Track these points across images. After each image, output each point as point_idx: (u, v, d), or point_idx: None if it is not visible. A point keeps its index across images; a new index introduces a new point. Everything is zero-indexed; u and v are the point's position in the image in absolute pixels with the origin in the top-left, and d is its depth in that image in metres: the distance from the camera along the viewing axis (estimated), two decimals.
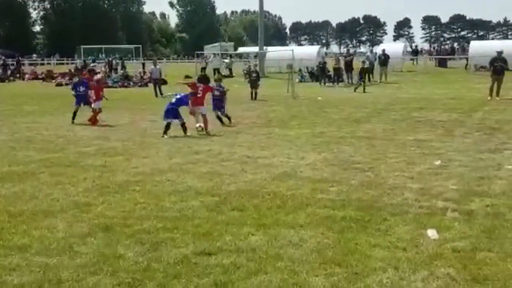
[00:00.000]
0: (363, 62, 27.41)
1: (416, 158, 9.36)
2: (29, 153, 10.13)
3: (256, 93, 21.62)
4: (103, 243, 5.28)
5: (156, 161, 9.39)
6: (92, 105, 14.88)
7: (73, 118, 14.81)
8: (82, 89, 15.32)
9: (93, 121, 14.55)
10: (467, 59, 42.15)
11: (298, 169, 8.66)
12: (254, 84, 21.89)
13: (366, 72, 27.40)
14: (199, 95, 13.30)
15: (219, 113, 14.24)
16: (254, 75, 22.41)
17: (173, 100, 12.68)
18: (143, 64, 42.06)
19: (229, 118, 14.33)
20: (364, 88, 24.17)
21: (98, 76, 16.76)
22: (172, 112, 12.44)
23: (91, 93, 15.09)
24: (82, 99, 15.20)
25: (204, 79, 14.13)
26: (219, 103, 14.36)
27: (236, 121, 14.60)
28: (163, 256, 4.94)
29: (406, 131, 12.50)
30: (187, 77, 33.49)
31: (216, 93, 14.31)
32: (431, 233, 5.51)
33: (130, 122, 14.95)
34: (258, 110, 17.70)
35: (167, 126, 12.27)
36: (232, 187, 7.53)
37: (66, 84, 33.43)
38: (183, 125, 12.49)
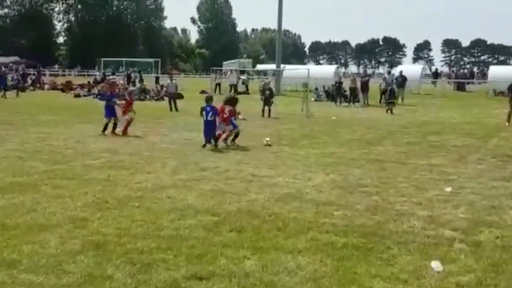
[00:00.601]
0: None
1: (426, 184, 9.09)
2: (35, 163, 10.09)
3: (270, 111, 21.49)
4: (93, 262, 5.12)
5: (160, 176, 9.26)
6: (125, 117, 15.28)
7: (104, 130, 14.83)
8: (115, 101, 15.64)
9: (124, 131, 14.94)
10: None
11: (304, 190, 8.45)
12: (267, 101, 21.75)
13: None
14: (225, 115, 13.30)
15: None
16: (267, 92, 22.27)
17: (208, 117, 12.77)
18: (157, 78, 42.17)
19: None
20: (391, 110, 23.81)
21: (131, 88, 17.14)
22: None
23: (120, 105, 15.71)
24: (112, 111, 15.29)
25: (231, 100, 14.02)
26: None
27: (247, 138, 14.46)
28: (152, 279, 4.76)
29: (419, 155, 12.22)
30: (203, 92, 33.62)
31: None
32: (435, 265, 5.25)
33: (141, 136, 14.90)
34: (270, 128, 17.56)
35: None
36: (233, 207, 7.35)
37: (84, 96, 33.89)
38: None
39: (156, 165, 10.33)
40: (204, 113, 13.00)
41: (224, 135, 13.29)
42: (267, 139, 13.83)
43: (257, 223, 6.58)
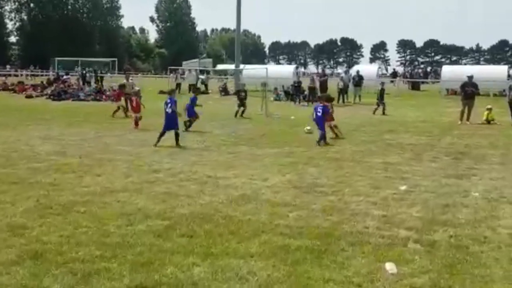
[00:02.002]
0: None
1: (382, 182, 9.05)
2: None
3: (243, 111, 20.98)
4: (30, 273, 4.76)
5: (110, 179, 8.89)
6: (133, 115, 17.28)
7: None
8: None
9: (136, 125, 16.71)
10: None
11: (260, 191, 8.27)
12: (242, 102, 21.24)
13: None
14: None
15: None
16: (243, 94, 21.73)
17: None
18: (99, 78, 40.66)
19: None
20: (384, 110, 23.05)
21: (136, 88, 20.11)
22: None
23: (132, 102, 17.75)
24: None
25: (328, 99, 15.80)
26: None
27: (203, 139, 14.26)
28: None
29: (375, 154, 12.24)
30: (161, 92, 32.97)
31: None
32: (390, 267, 5.13)
33: (94, 137, 14.39)
34: (228, 128, 17.30)
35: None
36: (185, 210, 7.08)
37: (37, 96, 32.75)
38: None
39: (107, 168, 9.94)
40: (164, 105, 13.40)
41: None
42: (308, 127, 15.63)
43: (210, 227, 6.33)
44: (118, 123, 18.00)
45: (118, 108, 20.62)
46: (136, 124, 16.82)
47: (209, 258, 5.31)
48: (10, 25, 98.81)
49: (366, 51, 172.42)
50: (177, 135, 13.15)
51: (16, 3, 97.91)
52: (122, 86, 22.05)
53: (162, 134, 13.09)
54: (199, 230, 6.22)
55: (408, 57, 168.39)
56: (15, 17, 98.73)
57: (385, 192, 8.32)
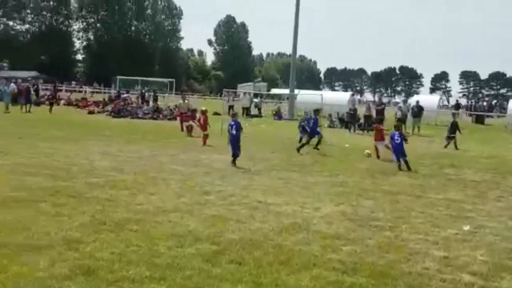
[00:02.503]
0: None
1: (443, 221, 8.61)
2: (38, 179, 9.84)
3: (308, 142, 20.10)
4: None
5: (163, 199, 8.93)
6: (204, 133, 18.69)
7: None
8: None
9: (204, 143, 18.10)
10: None
11: (311, 221, 8.05)
12: (305, 131, 20.39)
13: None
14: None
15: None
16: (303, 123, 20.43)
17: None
18: (155, 97, 41.47)
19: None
20: (455, 144, 21.83)
21: (203, 108, 21.15)
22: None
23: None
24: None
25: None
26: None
27: (255, 163, 14.19)
28: None
29: (435, 189, 11.73)
30: (216, 113, 33.36)
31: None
32: None
33: (149, 155, 14.62)
34: (281, 152, 17.18)
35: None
36: (235, 235, 6.97)
37: (98, 112, 33.88)
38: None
39: (161, 187, 10.01)
40: (229, 127, 14.07)
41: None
42: (368, 151, 16.52)
43: (259, 255, 6.18)
44: (173, 143, 18.25)
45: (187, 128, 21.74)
46: (204, 141, 18.12)
47: None
48: (77, 43, 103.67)
49: (426, 81, 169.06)
50: (236, 156, 13.63)
51: (84, 23, 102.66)
52: (194, 110, 23.69)
53: (234, 156, 13.62)
54: (248, 257, 6.08)
55: (471, 89, 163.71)
56: (82, 37, 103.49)
57: (447, 231, 7.90)
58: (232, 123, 14.15)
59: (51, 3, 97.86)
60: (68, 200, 8.28)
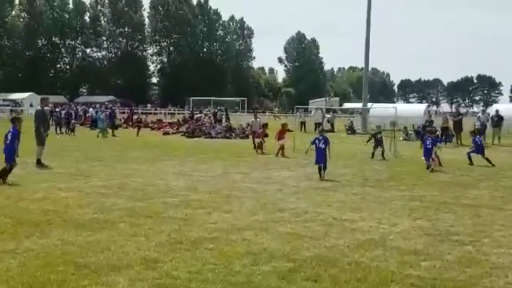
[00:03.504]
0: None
1: None
2: (117, 200, 10.26)
3: (383, 153, 20.22)
4: None
5: (237, 216, 9.05)
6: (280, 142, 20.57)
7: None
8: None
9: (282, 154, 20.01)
10: None
11: (388, 237, 7.86)
12: (380, 144, 20.64)
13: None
14: None
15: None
16: (379, 136, 20.89)
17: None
18: (227, 116, 42.13)
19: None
20: None
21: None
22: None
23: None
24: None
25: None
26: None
27: (329, 178, 14.09)
28: None
29: None
30: (288, 130, 33.40)
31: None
32: None
33: (222, 174, 14.90)
34: (355, 167, 16.95)
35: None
36: (310, 252, 6.93)
37: (173, 133, 35.00)
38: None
39: (234, 205, 10.16)
40: (316, 141, 14.89)
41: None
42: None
43: (335, 272, 6.12)
44: (245, 160, 18.48)
45: (259, 144, 22.31)
46: (278, 151, 19.99)
47: None
48: (152, 67, 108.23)
49: (506, 89, 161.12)
50: (320, 169, 14.34)
51: (158, 47, 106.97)
52: (265, 125, 25.20)
53: (319, 169, 14.38)
54: (324, 274, 6.03)
55: None
56: (156, 60, 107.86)
57: None
58: (320, 137, 15.08)
59: (126, 29, 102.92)
60: (145, 220, 8.57)
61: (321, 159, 14.49)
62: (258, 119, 26.81)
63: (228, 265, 6.28)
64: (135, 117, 45.02)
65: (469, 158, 18.16)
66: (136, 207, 9.60)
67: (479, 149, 18.36)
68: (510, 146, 26.79)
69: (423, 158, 17.25)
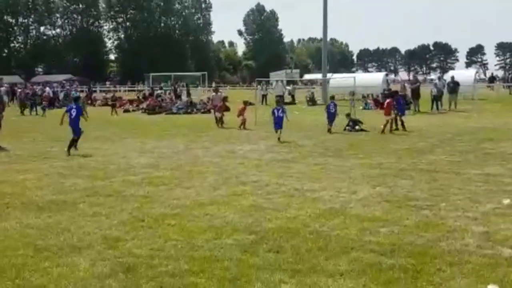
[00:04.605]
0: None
1: (482, 196, 8.45)
2: (77, 181, 10.08)
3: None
4: (121, 286, 4.90)
5: (199, 192, 9.04)
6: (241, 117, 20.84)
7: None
8: None
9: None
10: None
11: (348, 205, 8.02)
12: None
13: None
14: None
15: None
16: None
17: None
18: (188, 91, 41.68)
19: None
20: None
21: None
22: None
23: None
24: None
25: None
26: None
27: (291, 150, 14.24)
28: None
29: (473, 164, 11.50)
30: (249, 104, 33.40)
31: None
32: None
33: (184, 150, 14.81)
34: (315, 138, 17.12)
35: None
36: (272, 224, 7.00)
37: (133, 111, 34.42)
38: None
39: (197, 180, 10.13)
40: (275, 111, 17.25)
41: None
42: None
43: (297, 242, 6.20)
44: (207, 135, 18.38)
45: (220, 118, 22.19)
46: (241, 125, 20.39)
47: (297, 275, 5.18)
48: (109, 43, 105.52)
49: (462, 56, 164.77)
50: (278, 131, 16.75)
51: (114, 23, 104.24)
52: (225, 98, 24.16)
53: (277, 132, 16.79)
54: (286, 245, 6.11)
55: (508, 60, 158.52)
56: (113, 36, 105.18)
57: (486, 206, 7.75)
58: (278, 107, 17.55)
59: (80, 5, 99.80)
60: (105, 199, 8.47)
61: (279, 124, 16.90)
62: (219, 93, 26.63)
63: (191, 240, 6.28)
64: (109, 95, 43.90)
65: (402, 124, 18.87)
66: (97, 187, 9.47)
67: (400, 108, 19.29)
68: (466, 112, 27.53)
69: (326, 121, 19.07)
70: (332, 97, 20.90)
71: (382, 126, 18.31)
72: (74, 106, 14.95)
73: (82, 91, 51.10)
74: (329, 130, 18.68)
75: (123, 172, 11.03)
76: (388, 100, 19.36)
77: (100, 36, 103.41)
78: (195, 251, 5.89)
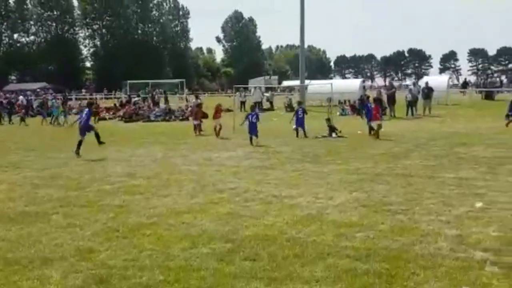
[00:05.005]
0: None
1: (455, 199, 8.57)
2: (50, 191, 9.93)
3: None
4: None
5: (176, 200, 8.98)
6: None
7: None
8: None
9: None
10: None
11: (325, 211, 8.05)
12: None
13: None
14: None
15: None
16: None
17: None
18: (166, 98, 41.63)
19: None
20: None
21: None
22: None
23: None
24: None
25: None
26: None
27: (269, 157, 14.26)
28: None
29: (447, 168, 11.66)
30: (227, 110, 33.34)
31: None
32: None
33: (161, 158, 14.71)
34: (293, 144, 17.19)
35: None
36: (249, 231, 6.99)
37: (110, 119, 34.07)
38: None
39: (174, 188, 10.07)
40: (249, 116, 17.70)
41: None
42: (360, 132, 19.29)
43: (273, 250, 6.20)
44: (185, 143, 18.30)
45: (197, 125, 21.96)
46: (218, 132, 19.99)
47: (273, 283, 5.17)
48: (84, 51, 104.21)
49: (435, 62, 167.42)
50: (251, 138, 17.15)
51: (89, 30, 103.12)
52: (199, 105, 24.03)
53: (251, 138, 17.15)
54: (263, 253, 6.10)
55: (480, 66, 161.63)
56: (89, 44, 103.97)
57: (459, 210, 7.86)
58: (253, 113, 17.95)
59: (55, 12, 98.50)
60: (79, 210, 8.35)
61: (253, 130, 17.32)
62: (198, 100, 26.53)
63: (166, 250, 6.23)
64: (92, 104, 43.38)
65: (370, 128, 19.30)
66: (71, 197, 9.33)
67: (368, 113, 19.89)
68: (440, 116, 27.94)
69: (294, 126, 19.63)
70: (300, 103, 22.24)
71: (374, 132, 18.62)
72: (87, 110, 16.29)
73: (57, 98, 50.51)
74: (297, 135, 19.26)
75: (98, 182, 10.90)
76: (374, 106, 19.66)
77: (75, 43, 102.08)
78: (171, 261, 5.84)
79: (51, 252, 6.21)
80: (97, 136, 15.80)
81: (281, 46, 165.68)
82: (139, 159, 14.32)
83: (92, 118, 31.09)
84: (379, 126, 18.50)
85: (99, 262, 5.81)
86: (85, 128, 15.67)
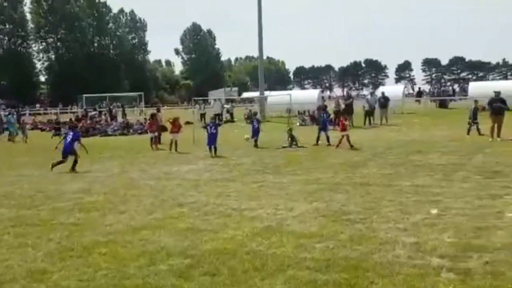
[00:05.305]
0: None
1: (411, 207, 8.72)
2: (1, 210, 9.55)
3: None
4: None
5: (134, 216, 8.79)
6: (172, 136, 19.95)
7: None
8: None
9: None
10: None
11: (285, 222, 8.04)
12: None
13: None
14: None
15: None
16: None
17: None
18: (124, 112, 41.09)
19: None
20: (478, 130, 21.21)
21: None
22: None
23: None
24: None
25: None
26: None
27: (230, 169, 14.21)
28: None
29: (403, 176, 11.88)
30: (187, 123, 33.08)
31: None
32: None
33: (119, 173, 14.43)
34: (254, 156, 17.18)
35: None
36: (209, 246, 6.89)
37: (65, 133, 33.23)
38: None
39: (131, 204, 9.86)
40: (208, 127, 18.18)
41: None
42: (246, 136, 20.86)
43: (233, 264, 6.13)
44: (144, 157, 18.04)
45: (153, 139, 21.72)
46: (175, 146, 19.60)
47: None
48: (38, 65, 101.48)
49: (391, 72, 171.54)
50: (210, 149, 17.55)
51: (44, 44, 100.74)
52: (153, 115, 24.09)
53: (210, 149, 17.57)
54: (222, 267, 6.02)
55: (434, 76, 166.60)
56: (43, 57, 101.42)
57: (416, 217, 7.99)
58: (211, 124, 18.43)
59: (7, 26, 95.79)
60: (32, 229, 8.05)
61: (212, 141, 17.66)
62: (159, 113, 26.19)
63: (123, 268, 6.06)
64: (41, 118, 42.32)
65: (320, 137, 20.06)
66: (22, 216, 9.00)
67: (324, 125, 20.48)
68: (396, 125, 28.54)
69: (247, 136, 20.73)
70: (255, 114, 24.45)
71: (337, 141, 18.89)
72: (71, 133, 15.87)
73: (11, 114, 49.00)
74: (255, 145, 19.91)
75: (52, 199, 10.56)
76: (341, 118, 20.73)
77: (29, 57, 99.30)
78: (127, 279, 5.68)
79: (1, 274, 5.95)
80: (75, 163, 15.00)
81: (240, 58, 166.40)
82: (95, 175, 14.00)
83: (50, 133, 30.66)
84: (342, 137, 18.79)
85: (52, 284, 5.59)
86: (68, 151, 15.19)
